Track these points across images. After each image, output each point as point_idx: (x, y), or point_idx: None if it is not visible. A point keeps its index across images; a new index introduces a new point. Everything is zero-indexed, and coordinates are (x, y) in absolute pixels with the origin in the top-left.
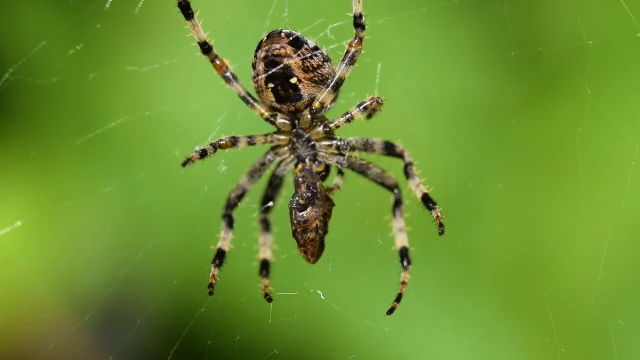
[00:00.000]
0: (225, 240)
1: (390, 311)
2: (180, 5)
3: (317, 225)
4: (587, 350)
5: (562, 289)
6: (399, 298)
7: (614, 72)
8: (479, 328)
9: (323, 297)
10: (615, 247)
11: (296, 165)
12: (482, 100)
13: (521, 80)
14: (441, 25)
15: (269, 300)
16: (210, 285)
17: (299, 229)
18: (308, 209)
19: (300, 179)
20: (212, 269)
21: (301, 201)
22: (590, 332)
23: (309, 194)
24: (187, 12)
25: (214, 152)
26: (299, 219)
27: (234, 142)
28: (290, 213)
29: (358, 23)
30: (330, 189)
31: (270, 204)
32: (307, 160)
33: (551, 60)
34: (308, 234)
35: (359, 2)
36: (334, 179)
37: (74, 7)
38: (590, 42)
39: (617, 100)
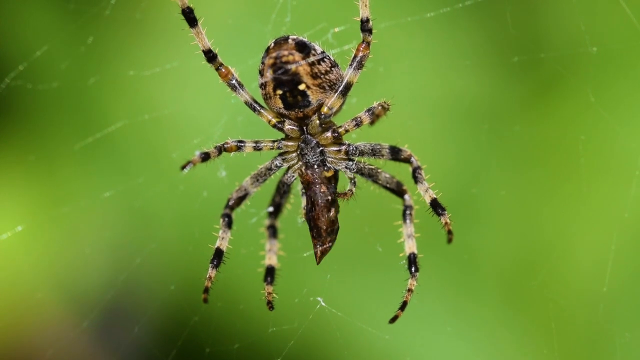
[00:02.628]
0: (223, 240)
1: (394, 319)
2: (184, 12)
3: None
4: None
5: (568, 299)
6: (403, 306)
7: (618, 79)
8: (481, 338)
9: (323, 304)
10: (621, 257)
11: (302, 171)
12: (484, 105)
13: (524, 86)
14: (444, 30)
15: (271, 308)
16: (206, 291)
17: (329, 228)
18: (332, 209)
19: (316, 180)
20: (210, 269)
21: (328, 198)
22: (595, 344)
23: (330, 192)
24: (191, 20)
25: (218, 155)
26: (330, 217)
27: (239, 146)
28: (321, 213)
29: (365, 27)
30: (343, 194)
31: (271, 209)
32: (315, 166)
33: (554, 66)
34: (333, 234)
35: (366, 6)
36: (347, 186)
37: (75, 11)
38: (595, 48)
39: (621, 108)
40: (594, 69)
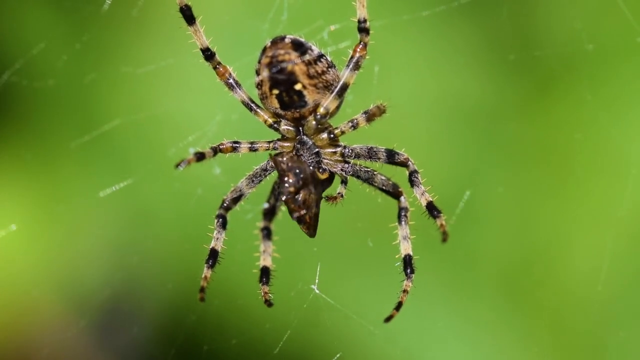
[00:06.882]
0: (218, 240)
1: (389, 319)
2: (182, 10)
3: (315, 200)
4: None
5: (562, 297)
6: (398, 306)
7: (614, 77)
8: (475, 335)
9: (317, 291)
10: (617, 256)
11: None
12: (479, 104)
13: (520, 84)
14: (439, 28)
15: (269, 305)
16: (202, 290)
17: (302, 211)
18: (302, 192)
19: (284, 166)
20: (205, 269)
21: (292, 189)
22: (589, 343)
23: (299, 178)
24: (189, 17)
25: (214, 156)
26: (298, 203)
27: (235, 147)
28: (287, 204)
29: (362, 28)
30: (333, 197)
31: (266, 207)
32: (311, 167)
33: (550, 64)
34: (312, 210)
35: (363, 6)
36: (337, 188)
37: (71, 9)
38: (591, 46)
39: (616, 106)
40: (590, 66)
